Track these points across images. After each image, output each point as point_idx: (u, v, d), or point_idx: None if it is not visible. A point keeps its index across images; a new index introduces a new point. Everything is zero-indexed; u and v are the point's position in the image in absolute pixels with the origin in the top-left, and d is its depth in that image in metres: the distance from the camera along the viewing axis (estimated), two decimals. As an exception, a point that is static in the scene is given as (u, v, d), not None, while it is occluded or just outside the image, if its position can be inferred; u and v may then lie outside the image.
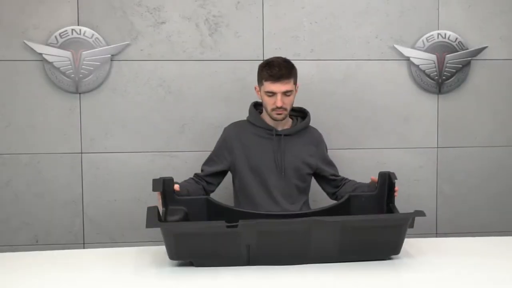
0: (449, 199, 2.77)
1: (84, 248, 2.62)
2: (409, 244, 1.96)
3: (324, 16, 2.66)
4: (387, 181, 1.98)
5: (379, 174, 2.02)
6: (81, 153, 2.60)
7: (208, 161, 2.28)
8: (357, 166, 2.67)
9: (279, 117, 2.16)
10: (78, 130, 2.59)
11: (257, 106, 2.31)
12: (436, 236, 2.75)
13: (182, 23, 2.60)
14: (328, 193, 2.34)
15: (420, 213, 1.74)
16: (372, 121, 2.71)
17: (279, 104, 2.11)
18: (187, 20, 2.60)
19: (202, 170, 2.26)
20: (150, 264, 1.75)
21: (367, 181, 2.16)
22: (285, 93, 2.12)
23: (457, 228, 2.76)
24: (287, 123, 2.26)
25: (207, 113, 2.63)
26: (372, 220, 1.75)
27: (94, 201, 2.63)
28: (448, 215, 2.77)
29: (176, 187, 1.92)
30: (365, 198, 2.01)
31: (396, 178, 1.96)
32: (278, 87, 2.10)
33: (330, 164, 2.32)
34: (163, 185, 1.87)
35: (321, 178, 2.31)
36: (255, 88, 2.23)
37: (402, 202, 2.72)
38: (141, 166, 2.62)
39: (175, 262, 1.73)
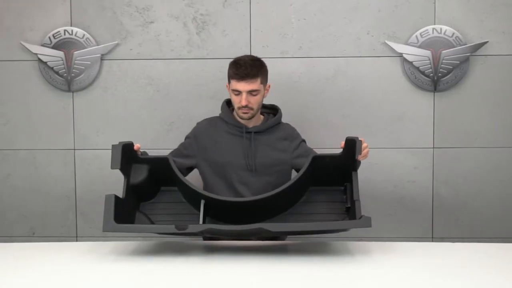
0: (446, 202, 2.63)
1: (77, 241, 2.72)
2: (404, 248, 1.90)
3: (313, 13, 2.61)
4: (353, 147, 1.91)
5: (346, 139, 1.95)
6: (74, 149, 2.69)
7: (177, 153, 2.22)
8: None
9: (245, 116, 2.14)
10: (71, 127, 2.69)
11: (230, 104, 2.30)
12: (432, 241, 2.63)
13: (170, 22, 2.63)
14: None
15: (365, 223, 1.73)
16: (363, 120, 2.63)
17: (243, 103, 2.09)
18: (175, 19, 2.63)
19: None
20: (138, 257, 1.84)
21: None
22: (251, 93, 2.10)
23: (454, 233, 2.62)
24: (259, 120, 2.24)
25: (195, 111, 2.65)
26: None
27: (86, 196, 2.71)
28: (444, 219, 2.64)
29: (137, 146, 2.01)
30: (329, 158, 2.00)
31: (359, 151, 1.90)
32: (243, 86, 2.08)
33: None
34: (123, 149, 1.98)
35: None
36: (227, 85, 2.22)
37: (396, 204, 2.67)
38: (130, 163, 2.67)
39: (161, 254, 1.87)
